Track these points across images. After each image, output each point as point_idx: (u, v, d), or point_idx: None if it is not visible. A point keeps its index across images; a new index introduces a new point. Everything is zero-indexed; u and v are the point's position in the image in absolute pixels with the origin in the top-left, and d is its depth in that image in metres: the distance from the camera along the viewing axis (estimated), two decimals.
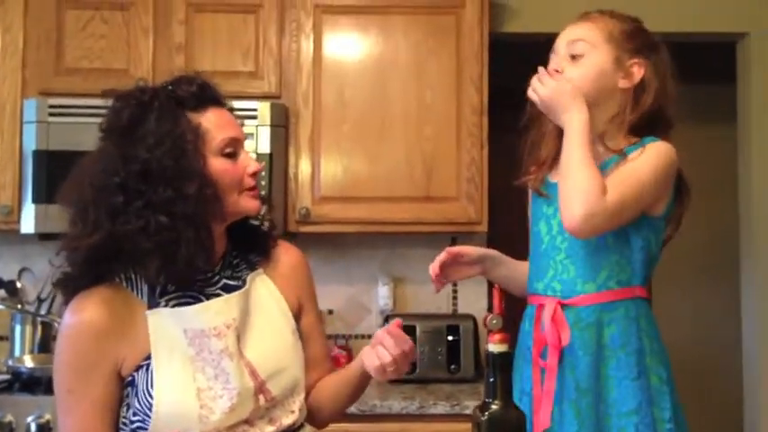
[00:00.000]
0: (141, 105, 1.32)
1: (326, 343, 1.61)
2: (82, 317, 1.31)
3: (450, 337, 2.71)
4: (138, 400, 1.31)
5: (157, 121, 1.30)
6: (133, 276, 1.35)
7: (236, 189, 1.37)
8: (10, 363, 2.48)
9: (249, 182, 1.38)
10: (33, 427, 2.24)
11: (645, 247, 1.58)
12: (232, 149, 1.37)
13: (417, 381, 2.67)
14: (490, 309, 1.37)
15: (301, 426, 1.46)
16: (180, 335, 1.33)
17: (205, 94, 1.37)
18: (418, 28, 2.72)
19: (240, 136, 1.39)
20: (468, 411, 2.33)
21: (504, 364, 1.17)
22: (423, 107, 2.71)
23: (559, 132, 1.63)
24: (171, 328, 1.33)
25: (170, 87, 1.36)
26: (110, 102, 1.36)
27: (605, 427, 1.52)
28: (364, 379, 1.47)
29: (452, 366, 2.68)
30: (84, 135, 2.55)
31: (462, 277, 1.74)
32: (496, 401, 1.17)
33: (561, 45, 1.62)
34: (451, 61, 2.71)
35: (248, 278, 1.44)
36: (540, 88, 1.55)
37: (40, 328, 2.76)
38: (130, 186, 1.28)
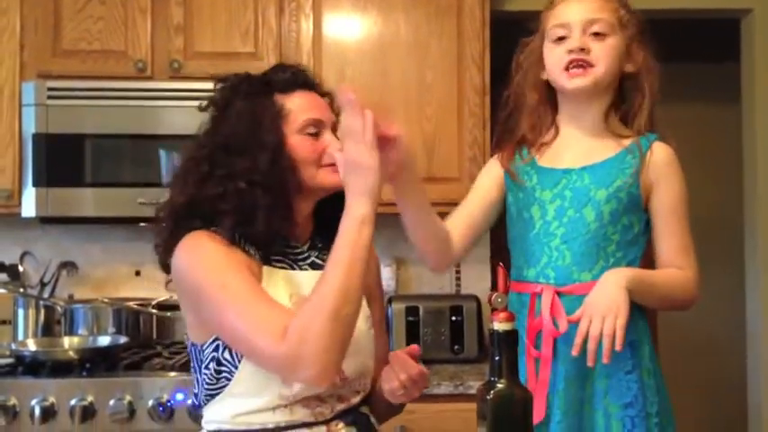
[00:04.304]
0: (232, 88, 1.47)
1: (388, 342, 1.65)
2: (203, 234, 1.38)
3: (453, 318, 2.70)
4: (231, 352, 1.35)
5: (243, 101, 1.44)
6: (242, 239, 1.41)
7: (313, 164, 1.44)
8: (13, 346, 2.48)
9: (327, 158, 1.44)
10: (37, 410, 2.24)
11: (642, 240, 1.57)
12: (315, 129, 1.45)
13: (421, 361, 2.66)
14: (493, 288, 1.36)
15: (362, 403, 1.50)
16: (285, 298, 1.38)
17: (297, 79, 1.48)
18: (419, 7, 2.69)
19: (324, 118, 1.46)
20: (471, 391, 2.33)
21: (509, 342, 1.17)
22: (423, 87, 2.68)
23: (540, 110, 1.63)
24: (280, 288, 1.39)
25: (264, 74, 1.49)
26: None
27: (595, 418, 1.51)
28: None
29: (456, 347, 2.68)
30: (84, 117, 2.60)
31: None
32: (502, 380, 1.16)
33: (575, 21, 1.56)
34: (452, 40, 2.69)
35: None
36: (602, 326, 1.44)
37: (42, 311, 2.76)
38: (215, 157, 1.41)
